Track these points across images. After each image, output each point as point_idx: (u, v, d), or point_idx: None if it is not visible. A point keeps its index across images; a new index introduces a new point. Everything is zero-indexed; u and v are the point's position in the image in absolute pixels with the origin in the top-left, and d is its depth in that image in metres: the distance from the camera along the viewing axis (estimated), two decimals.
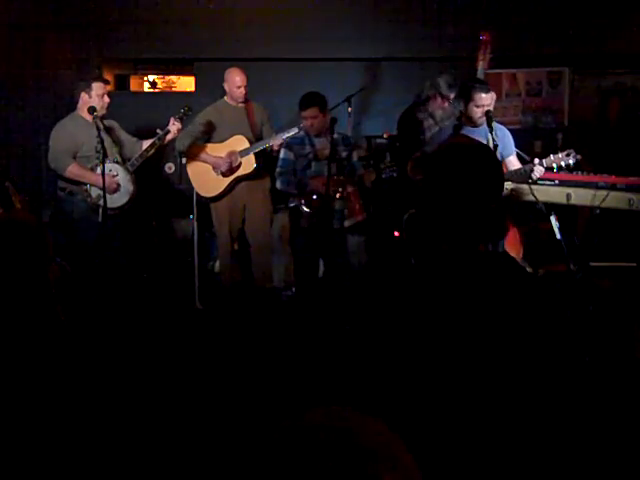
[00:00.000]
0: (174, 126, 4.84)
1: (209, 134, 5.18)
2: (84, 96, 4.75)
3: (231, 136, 5.10)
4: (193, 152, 5.14)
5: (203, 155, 5.13)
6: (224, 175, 5.11)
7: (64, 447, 1.83)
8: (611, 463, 2.40)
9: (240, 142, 5.08)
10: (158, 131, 4.86)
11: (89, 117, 4.69)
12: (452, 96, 4.91)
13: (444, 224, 1.70)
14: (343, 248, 5.00)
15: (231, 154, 5.07)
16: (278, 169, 4.91)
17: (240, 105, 5.19)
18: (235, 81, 5.10)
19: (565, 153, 4.27)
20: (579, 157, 4.29)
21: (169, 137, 4.89)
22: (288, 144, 4.89)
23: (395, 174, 4.68)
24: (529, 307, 1.67)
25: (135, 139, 5.01)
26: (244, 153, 5.07)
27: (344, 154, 4.90)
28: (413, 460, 0.78)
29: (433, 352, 1.61)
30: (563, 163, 4.27)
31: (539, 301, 1.70)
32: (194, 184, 5.23)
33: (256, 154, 5.08)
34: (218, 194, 5.17)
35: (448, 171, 1.69)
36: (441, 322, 1.63)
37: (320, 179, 4.68)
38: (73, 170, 4.67)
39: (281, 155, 4.91)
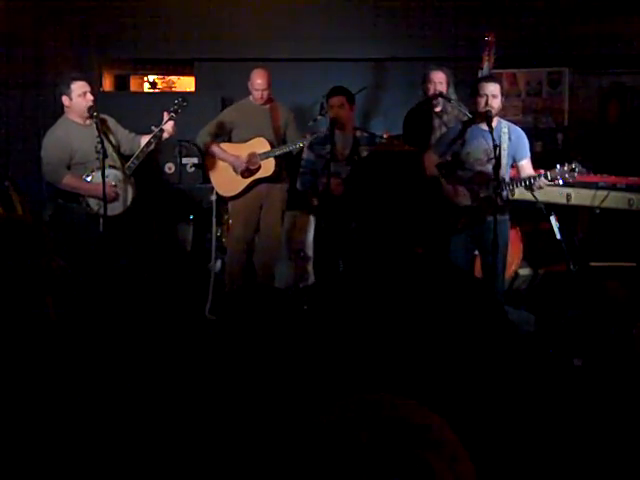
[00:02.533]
0: (168, 124, 4.70)
1: (230, 132, 5.19)
2: (65, 99, 4.58)
3: (253, 136, 5.11)
4: (214, 150, 5.16)
5: (223, 154, 5.15)
6: (243, 176, 5.13)
7: (55, 449, 1.82)
8: (611, 463, 2.39)
9: (261, 144, 5.09)
10: (153, 128, 4.72)
11: (80, 119, 4.60)
12: (439, 75, 4.93)
13: (374, 228, 1.72)
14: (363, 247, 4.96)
15: (251, 156, 5.09)
16: (301, 169, 4.87)
17: (264, 105, 5.20)
18: (255, 83, 5.12)
19: (570, 167, 4.15)
20: (584, 170, 4.19)
21: (165, 135, 4.73)
22: (310, 144, 4.83)
23: None
24: (460, 308, 1.67)
25: (133, 134, 4.87)
26: (264, 156, 5.08)
27: (364, 153, 4.70)
28: (464, 450, 0.78)
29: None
30: (568, 176, 4.17)
31: (474, 302, 1.70)
32: (213, 182, 5.26)
33: (277, 157, 5.09)
34: (236, 194, 5.19)
35: (370, 178, 1.72)
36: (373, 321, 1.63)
37: (335, 181, 4.59)
38: (69, 182, 4.53)
39: (304, 155, 4.88)
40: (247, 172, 5.13)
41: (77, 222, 4.63)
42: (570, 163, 4.12)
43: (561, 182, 4.20)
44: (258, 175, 5.13)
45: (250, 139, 5.12)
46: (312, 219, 5.39)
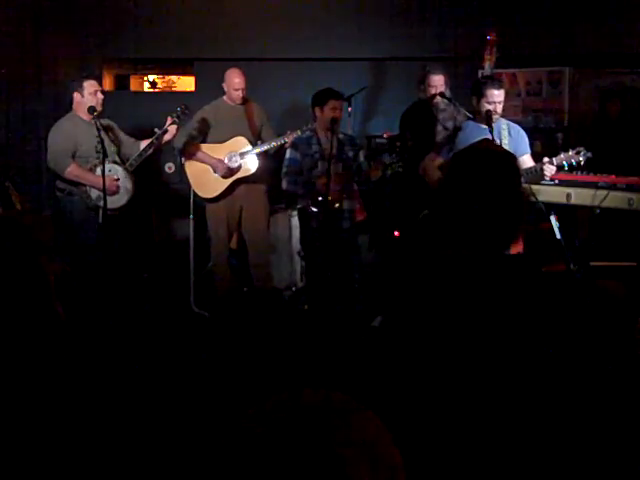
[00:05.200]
0: (172, 126, 4.84)
1: (207, 133, 5.16)
2: (77, 96, 4.77)
3: (230, 136, 5.09)
4: (192, 152, 5.12)
5: (202, 155, 5.11)
6: (223, 177, 5.10)
7: (61, 445, 1.82)
8: (611, 463, 2.39)
9: (241, 143, 5.07)
10: (156, 130, 4.86)
11: (86, 116, 4.72)
12: (437, 78, 4.99)
13: (459, 227, 1.69)
14: (354, 247, 5.02)
15: (231, 155, 5.07)
16: (285, 169, 4.90)
17: (239, 105, 5.19)
18: (233, 83, 5.10)
19: (575, 151, 4.23)
20: (590, 154, 4.25)
21: (167, 137, 4.87)
22: (294, 143, 4.88)
23: (401, 169, 4.67)
24: (542, 309, 1.66)
25: (133, 139, 5.01)
26: (244, 155, 5.06)
27: (350, 154, 4.94)
28: (397, 458, 0.78)
29: (438, 352, 1.60)
30: (573, 161, 4.23)
31: (553, 303, 1.69)
32: (192, 184, 5.21)
33: (256, 155, 5.07)
34: (216, 195, 5.16)
35: (467, 175, 1.68)
36: (451, 323, 1.62)
37: (326, 178, 4.65)
38: (73, 171, 4.66)
39: (287, 155, 4.91)
40: (228, 172, 5.09)
41: (77, 215, 4.73)
42: (574, 149, 4.23)
43: (566, 167, 4.24)
44: (239, 175, 5.10)
45: (228, 139, 5.09)
46: (296, 220, 5.36)
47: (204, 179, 5.13)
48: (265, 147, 5.03)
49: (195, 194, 5.25)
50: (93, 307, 4.33)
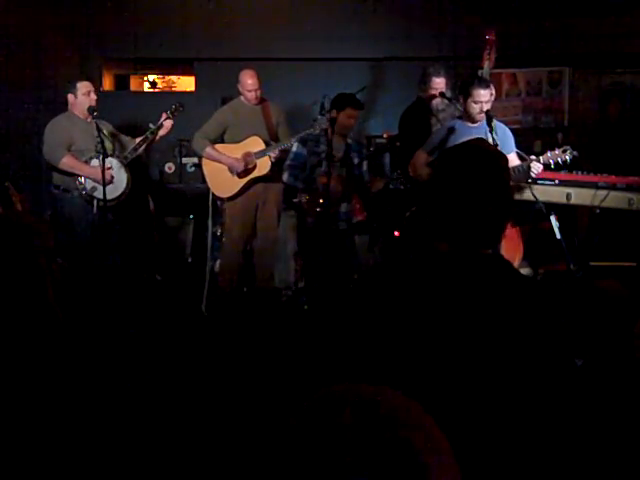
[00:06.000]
0: (166, 122, 4.93)
1: (223, 133, 5.21)
2: (71, 97, 4.86)
3: (247, 136, 5.11)
4: (209, 153, 5.17)
5: (219, 156, 5.15)
6: (239, 176, 5.13)
7: (61, 449, 1.82)
8: (611, 463, 2.39)
9: (256, 143, 5.09)
10: (151, 126, 4.93)
11: (82, 115, 4.79)
12: (439, 81, 5.00)
13: (446, 224, 1.69)
14: (351, 249, 5.04)
15: (247, 155, 5.08)
16: (288, 162, 4.94)
17: (256, 105, 5.22)
18: (247, 84, 5.13)
19: (562, 149, 4.30)
20: (576, 153, 4.31)
21: (161, 133, 4.98)
22: (303, 139, 4.91)
23: (402, 187, 4.69)
24: (525, 310, 1.66)
25: (129, 137, 5.10)
26: (260, 154, 5.08)
27: (356, 160, 4.99)
28: (446, 443, 0.81)
29: (428, 351, 1.60)
30: (560, 159, 4.30)
31: (535, 304, 1.69)
32: (209, 184, 5.26)
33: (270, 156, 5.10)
34: (233, 195, 5.19)
35: (457, 172, 1.68)
36: (436, 321, 1.62)
37: (330, 178, 4.68)
38: (68, 162, 4.71)
39: (294, 149, 4.94)
40: (243, 172, 5.12)
41: (74, 212, 4.78)
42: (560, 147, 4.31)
43: (552, 165, 4.32)
44: (254, 174, 5.12)
45: (244, 139, 5.12)
46: (295, 220, 5.37)
47: (221, 179, 5.17)
48: (278, 147, 5.06)
49: (214, 194, 5.30)
50: (92, 306, 4.33)
